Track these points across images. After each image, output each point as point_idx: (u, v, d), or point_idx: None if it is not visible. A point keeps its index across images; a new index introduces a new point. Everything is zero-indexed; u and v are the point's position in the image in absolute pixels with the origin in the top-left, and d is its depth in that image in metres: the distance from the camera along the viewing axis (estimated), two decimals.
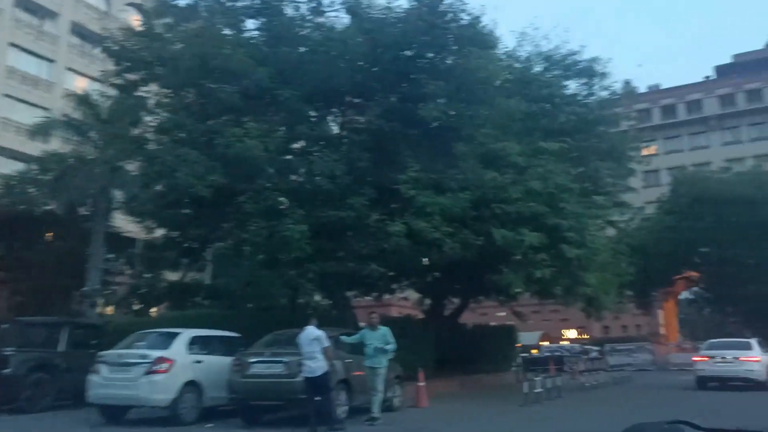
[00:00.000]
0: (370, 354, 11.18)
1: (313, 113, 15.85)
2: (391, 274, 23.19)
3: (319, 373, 9.89)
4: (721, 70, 67.61)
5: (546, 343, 47.86)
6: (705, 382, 18.24)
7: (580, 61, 19.52)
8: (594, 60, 19.31)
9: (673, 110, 62.82)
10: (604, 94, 19.93)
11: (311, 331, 10.20)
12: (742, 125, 61.61)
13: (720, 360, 18.14)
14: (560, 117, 18.09)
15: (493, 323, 29.93)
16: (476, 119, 14.63)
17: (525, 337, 37.01)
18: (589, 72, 19.62)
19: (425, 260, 19.14)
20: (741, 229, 33.26)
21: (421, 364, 16.21)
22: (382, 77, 15.98)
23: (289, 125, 15.28)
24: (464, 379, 20.28)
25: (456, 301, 24.04)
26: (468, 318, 25.97)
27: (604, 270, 17.67)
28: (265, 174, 14.59)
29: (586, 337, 56.94)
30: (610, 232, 21.92)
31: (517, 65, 19.36)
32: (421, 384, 13.81)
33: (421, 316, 23.02)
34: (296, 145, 16.29)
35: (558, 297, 19.07)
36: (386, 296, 27.84)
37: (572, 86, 19.95)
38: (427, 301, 23.72)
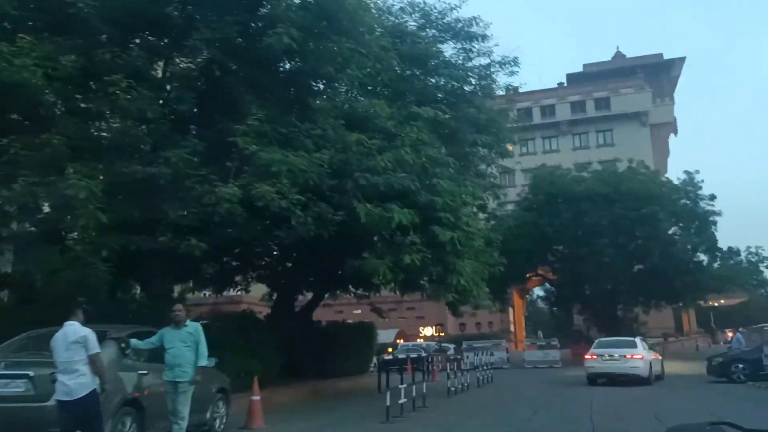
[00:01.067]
0: (170, 363, 7.67)
1: (122, 40, 11.81)
2: (236, 263, 19.87)
3: (80, 394, 6.25)
4: (572, 78, 70.85)
5: (401, 341, 46.52)
6: (595, 379, 19.07)
7: (459, 21, 17.18)
8: (473, 20, 16.99)
9: (529, 113, 64.36)
10: (483, 61, 17.74)
11: (72, 330, 6.51)
12: (591, 131, 64.74)
13: (608, 358, 18.89)
14: (435, 81, 15.60)
15: (349, 321, 27.43)
16: (339, 56, 11.48)
17: (381, 336, 35.11)
18: (467, 35, 17.34)
19: (274, 245, 15.87)
20: (596, 227, 33.55)
21: (263, 371, 13.14)
22: (220, 5, 12.39)
23: (86, 52, 11.15)
24: (317, 385, 17.46)
25: (309, 295, 21.10)
26: (322, 316, 23.14)
27: (478, 258, 15.70)
28: (46, 109, 10.41)
29: (442, 335, 56.36)
30: (482, 217, 20.04)
31: (389, 17, 16.63)
32: (255, 398, 10.41)
33: (267, 312, 19.69)
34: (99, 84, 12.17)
35: (425, 289, 16.75)
36: (234, 292, 24.18)
37: (449, 51, 17.56)
38: (276, 296, 20.46)
